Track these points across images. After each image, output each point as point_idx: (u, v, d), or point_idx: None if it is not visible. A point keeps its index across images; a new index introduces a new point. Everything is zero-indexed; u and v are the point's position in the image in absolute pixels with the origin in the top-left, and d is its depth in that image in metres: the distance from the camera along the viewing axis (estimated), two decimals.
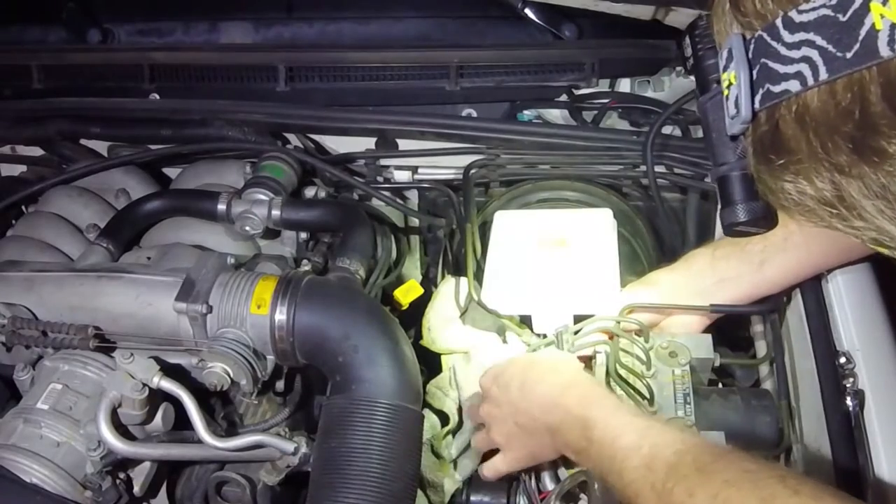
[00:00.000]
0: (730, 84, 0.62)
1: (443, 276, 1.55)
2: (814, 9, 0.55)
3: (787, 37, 0.57)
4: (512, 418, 1.16)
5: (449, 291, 1.43)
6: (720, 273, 1.24)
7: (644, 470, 0.92)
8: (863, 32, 0.53)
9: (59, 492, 1.08)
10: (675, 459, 0.90)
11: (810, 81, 0.56)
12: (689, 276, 1.26)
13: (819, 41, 0.55)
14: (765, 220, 0.73)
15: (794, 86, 0.57)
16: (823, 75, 0.55)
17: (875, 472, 1.03)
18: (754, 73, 0.61)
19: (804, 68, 0.56)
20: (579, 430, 1.03)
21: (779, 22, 0.58)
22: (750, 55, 0.61)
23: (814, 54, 0.56)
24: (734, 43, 0.61)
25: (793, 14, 0.57)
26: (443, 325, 1.42)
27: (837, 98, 0.55)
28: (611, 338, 1.25)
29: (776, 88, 0.59)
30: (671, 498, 0.87)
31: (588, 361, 1.24)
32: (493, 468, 1.22)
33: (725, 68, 0.62)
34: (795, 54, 0.57)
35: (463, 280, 1.42)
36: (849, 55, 0.54)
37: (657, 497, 0.89)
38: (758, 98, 0.61)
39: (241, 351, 1.14)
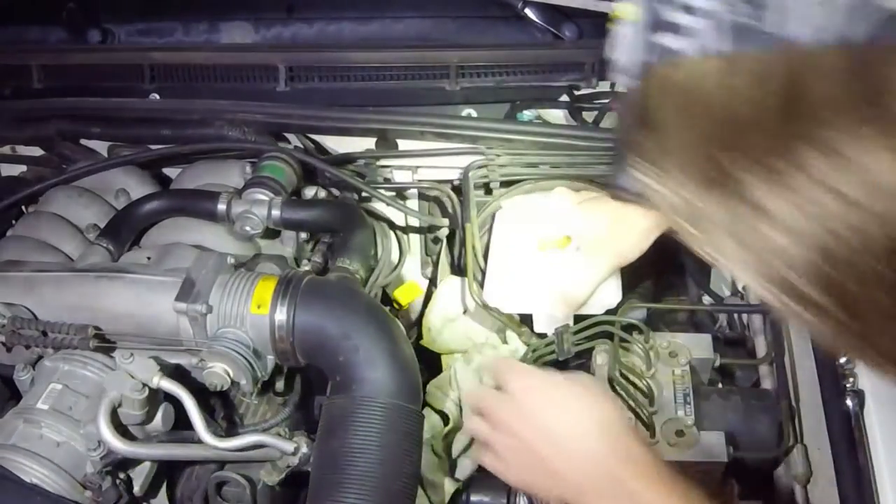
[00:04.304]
0: None
1: (443, 277, 1.55)
2: None
3: None
4: (525, 456, 0.99)
5: (449, 291, 1.43)
6: None
7: None
8: None
9: (58, 492, 1.08)
10: None
11: None
12: None
13: None
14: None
15: None
16: None
17: (875, 472, 1.03)
18: None
19: None
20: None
21: None
22: None
23: None
24: None
25: None
26: (443, 325, 1.42)
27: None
28: (611, 338, 1.25)
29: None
30: None
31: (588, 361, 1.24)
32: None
33: None
34: None
35: (463, 280, 1.42)
36: None
37: None
38: None
39: (241, 351, 1.14)
